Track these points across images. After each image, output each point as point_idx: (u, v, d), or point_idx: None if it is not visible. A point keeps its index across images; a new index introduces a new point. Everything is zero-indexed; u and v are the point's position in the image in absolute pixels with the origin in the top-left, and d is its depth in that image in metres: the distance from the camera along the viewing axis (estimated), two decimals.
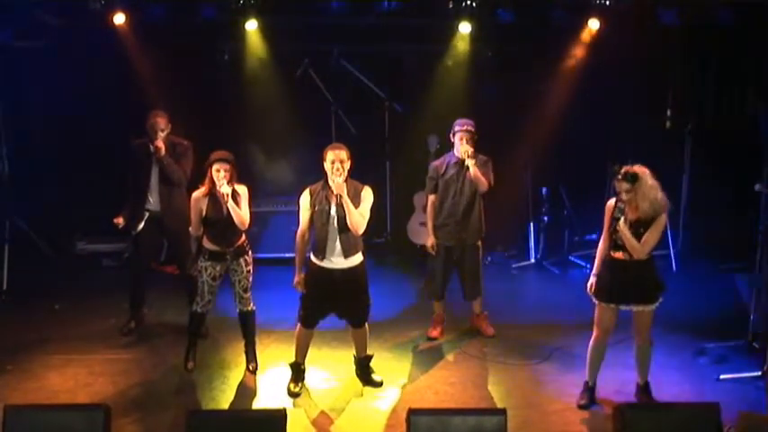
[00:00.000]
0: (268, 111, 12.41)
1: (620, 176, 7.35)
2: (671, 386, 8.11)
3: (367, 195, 7.83)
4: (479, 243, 9.26)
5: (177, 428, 6.08)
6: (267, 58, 12.23)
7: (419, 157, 12.13)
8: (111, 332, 9.59)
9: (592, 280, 7.79)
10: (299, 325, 8.14)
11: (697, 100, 12.61)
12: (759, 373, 8.27)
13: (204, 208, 8.17)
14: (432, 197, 9.09)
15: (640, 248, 7.39)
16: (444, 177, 8.98)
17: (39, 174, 12.29)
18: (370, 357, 8.32)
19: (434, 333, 9.39)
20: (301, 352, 8.22)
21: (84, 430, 5.88)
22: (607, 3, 11.37)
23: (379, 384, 8.23)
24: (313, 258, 7.93)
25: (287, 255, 11.67)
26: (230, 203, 8.04)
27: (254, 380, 8.40)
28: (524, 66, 12.42)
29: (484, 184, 8.83)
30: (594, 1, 11.44)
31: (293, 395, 8.09)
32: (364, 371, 8.32)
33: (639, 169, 7.39)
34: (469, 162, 8.66)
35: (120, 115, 11.96)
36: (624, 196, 7.36)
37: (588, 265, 12.24)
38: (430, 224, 9.12)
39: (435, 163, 9.19)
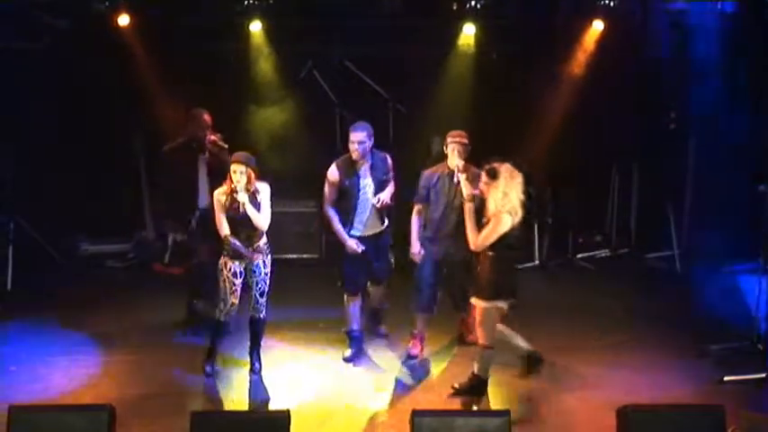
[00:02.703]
0: (273, 112, 12.42)
1: (486, 167, 7.44)
2: (674, 388, 8.09)
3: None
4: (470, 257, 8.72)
5: (181, 430, 6.08)
6: (272, 59, 12.24)
7: (423, 158, 12.12)
8: (115, 333, 9.60)
9: None
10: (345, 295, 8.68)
11: (701, 101, 12.57)
12: (763, 375, 8.26)
13: (226, 205, 8.12)
14: (418, 206, 8.76)
15: (475, 239, 7.49)
16: (435, 188, 8.61)
17: (42, 175, 12.29)
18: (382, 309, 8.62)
19: (414, 351, 8.90)
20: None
21: (88, 431, 5.90)
22: (611, 4, 11.38)
23: (384, 336, 8.31)
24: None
25: (290, 256, 11.73)
26: (248, 208, 8.00)
27: (259, 381, 8.39)
28: (529, 67, 12.42)
29: (468, 198, 8.18)
30: (599, 2, 11.45)
31: (346, 360, 8.77)
32: (374, 321, 8.70)
33: (509, 173, 7.44)
34: (460, 176, 8.28)
35: (123, 117, 12.02)
36: (482, 186, 7.50)
37: (593, 267, 12.27)
38: (414, 233, 8.75)
39: (427, 172, 8.81)
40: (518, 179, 7.48)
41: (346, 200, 8.75)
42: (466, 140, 8.39)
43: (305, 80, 12.22)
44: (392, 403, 7.91)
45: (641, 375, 8.39)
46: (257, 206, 8.11)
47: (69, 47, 11.75)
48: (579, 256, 12.50)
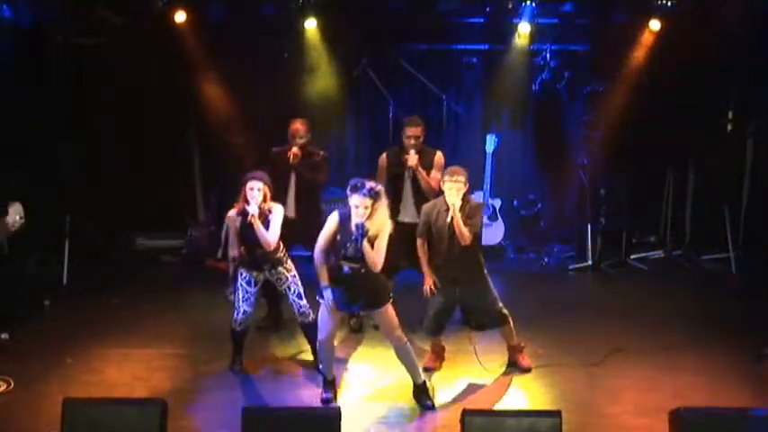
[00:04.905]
0: (327, 109, 12.46)
1: (364, 191, 7.30)
2: (730, 391, 8.00)
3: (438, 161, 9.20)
4: (483, 275, 8.46)
5: (233, 424, 6.13)
6: (326, 56, 12.27)
7: (477, 155, 12.11)
8: (167, 327, 9.72)
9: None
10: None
11: (759, 101, 12.41)
12: None
13: (238, 225, 8.16)
14: (420, 240, 8.49)
15: (380, 260, 7.44)
16: (436, 225, 8.32)
17: (98, 170, 12.44)
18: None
19: (428, 363, 8.68)
20: None
21: (141, 424, 5.96)
22: (668, 3, 11.28)
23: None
24: None
25: None
26: (256, 222, 7.99)
27: (310, 377, 8.40)
28: (584, 65, 12.35)
29: (466, 239, 8.13)
30: (656, 1, 11.36)
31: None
32: None
33: (379, 187, 7.45)
34: (454, 216, 8.07)
35: (178, 113, 12.11)
36: (362, 211, 7.30)
37: (647, 268, 12.17)
38: (424, 265, 8.43)
39: (427, 207, 8.52)
40: None
41: (393, 188, 9.12)
42: (463, 178, 8.14)
43: (359, 78, 12.25)
44: (443, 402, 7.89)
45: (695, 378, 8.31)
46: (267, 225, 8.13)
47: (125, 43, 11.86)
48: (633, 256, 12.42)
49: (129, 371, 8.51)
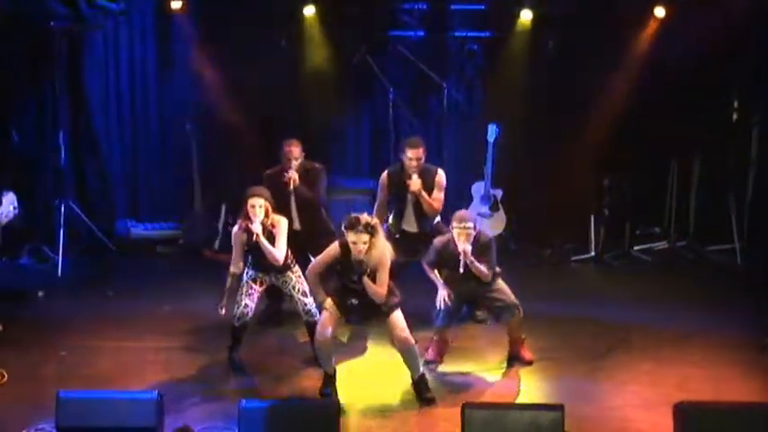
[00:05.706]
0: (326, 98, 12.38)
1: (360, 228, 7.31)
2: (734, 383, 7.92)
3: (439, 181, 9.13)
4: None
5: (229, 417, 6.07)
6: (325, 43, 12.22)
7: (478, 145, 12.02)
8: (164, 320, 9.65)
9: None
10: None
11: (764, 92, 12.32)
12: None
13: (245, 241, 8.11)
14: (429, 267, 8.59)
15: (383, 292, 7.50)
16: (448, 264, 8.38)
17: (94, 160, 12.39)
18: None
19: (430, 356, 8.59)
20: None
21: (136, 417, 5.97)
22: None
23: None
24: None
25: None
26: (262, 241, 7.96)
27: (310, 371, 8.30)
28: (587, 54, 12.25)
29: (486, 277, 8.25)
30: None
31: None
32: None
33: (374, 221, 7.48)
34: (469, 262, 8.14)
35: (174, 102, 12.06)
36: (361, 247, 7.34)
37: (650, 259, 12.09)
38: (436, 280, 8.50)
39: (440, 245, 8.52)
40: None
41: (396, 207, 9.30)
42: (471, 224, 8.25)
43: (358, 66, 12.17)
44: (444, 396, 7.79)
45: (699, 370, 8.25)
46: (272, 240, 8.08)
47: (125, 29, 11.84)
48: (636, 248, 12.35)
49: (124, 363, 8.43)
